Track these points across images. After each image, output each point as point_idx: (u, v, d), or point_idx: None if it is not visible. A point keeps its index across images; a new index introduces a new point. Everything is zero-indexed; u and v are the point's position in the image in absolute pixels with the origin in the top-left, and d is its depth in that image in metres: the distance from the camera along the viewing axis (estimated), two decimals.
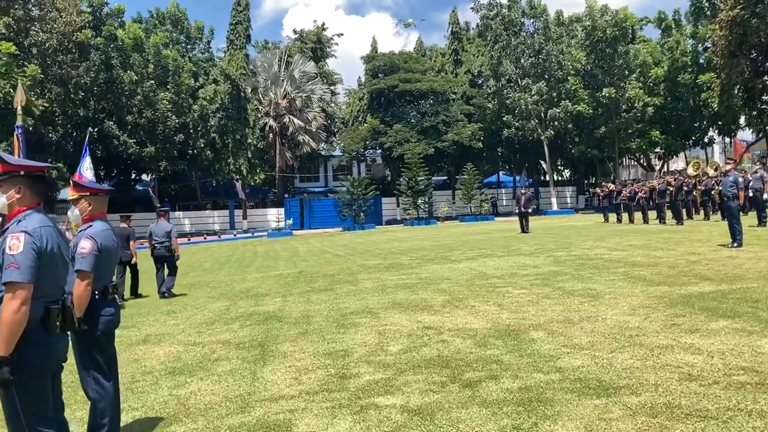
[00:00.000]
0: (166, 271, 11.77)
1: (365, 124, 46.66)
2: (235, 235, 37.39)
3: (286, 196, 48.57)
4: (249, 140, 40.40)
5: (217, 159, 39.76)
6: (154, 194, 38.91)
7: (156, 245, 11.75)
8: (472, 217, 39.72)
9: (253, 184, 44.35)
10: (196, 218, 44.67)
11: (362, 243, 23.64)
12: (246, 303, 9.79)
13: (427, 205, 41.01)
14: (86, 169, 12.88)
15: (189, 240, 33.69)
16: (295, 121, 45.42)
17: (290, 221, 38.80)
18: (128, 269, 11.75)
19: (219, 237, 35.03)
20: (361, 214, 38.55)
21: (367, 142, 47.29)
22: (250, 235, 38.04)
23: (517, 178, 49.70)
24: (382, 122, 45.19)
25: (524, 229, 22.18)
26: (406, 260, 14.78)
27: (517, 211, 23.76)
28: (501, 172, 58.24)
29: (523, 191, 23.48)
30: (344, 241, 26.25)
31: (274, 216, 41.95)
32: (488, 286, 9.36)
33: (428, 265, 13.27)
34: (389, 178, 54.50)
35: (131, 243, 11.47)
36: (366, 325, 7.12)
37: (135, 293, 11.96)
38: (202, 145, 38.26)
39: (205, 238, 35.27)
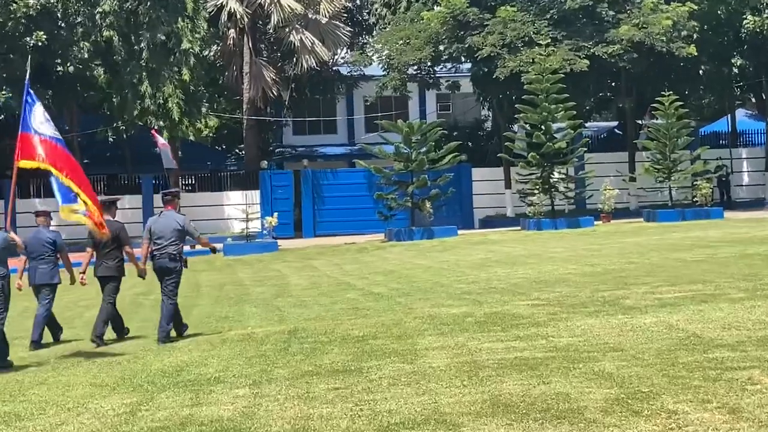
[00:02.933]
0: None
1: (435, 9, 46.67)
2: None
3: (265, 165, 48.93)
4: (185, 45, 40.88)
5: (118, 86, 40.46)
6: None
7: (155, 252, 13.90)
8: (672, 213, 39.54)
9: (193, 137, 44.97)
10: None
11: (428, 267, 23.84)
12: (173, 398, 9.93)
13: (572, 186, 40.87)
14: (41, 123, 13.97)
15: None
16: (285, 1, 45.81)
17: (273, 220, 39.11)
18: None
19: None
20: (427, 203, 38.59)
21: (441, 47, 47.24)
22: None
23: None
24: (472, 2, 45.06)
25: None
26: (523, 306, 14.91)
27: None
28: (740, 113, 57.41)
29: None
30: (389, 261, 26.44)
31: (237, 207, 42.41)
32: (708, 367, 9.29)
33: (572, 317, 13.32)
34: (488, 126, 54.32)
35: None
36: None
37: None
38: (86, 56, 38.94)
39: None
